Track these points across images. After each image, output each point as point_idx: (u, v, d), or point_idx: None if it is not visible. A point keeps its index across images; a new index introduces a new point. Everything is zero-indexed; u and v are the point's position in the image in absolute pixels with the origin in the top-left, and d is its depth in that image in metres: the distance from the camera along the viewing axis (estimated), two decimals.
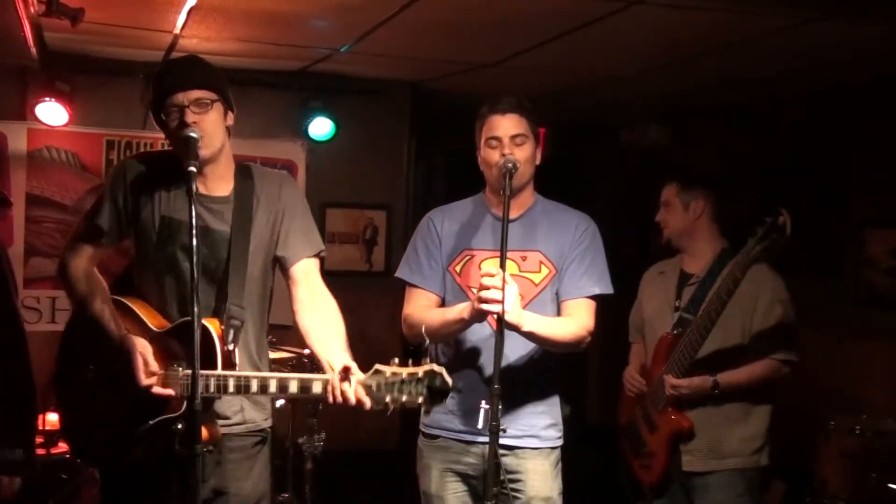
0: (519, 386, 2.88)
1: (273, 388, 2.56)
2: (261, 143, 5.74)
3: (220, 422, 2.72)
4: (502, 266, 2.62)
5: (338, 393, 2.47)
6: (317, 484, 4.64)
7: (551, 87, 5.63)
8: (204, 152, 2.60)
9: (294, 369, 4.71)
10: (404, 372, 2.45)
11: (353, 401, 2.46)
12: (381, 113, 6.12)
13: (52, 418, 4.26)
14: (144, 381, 2.59)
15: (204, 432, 2.53)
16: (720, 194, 3.57)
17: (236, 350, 2.63)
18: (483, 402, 2.76)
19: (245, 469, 2.79)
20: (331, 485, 4.81)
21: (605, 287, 2.95)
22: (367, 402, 2.46)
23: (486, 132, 2.90)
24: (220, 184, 2.73)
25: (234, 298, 2.68)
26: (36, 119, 5.26)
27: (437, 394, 2.44)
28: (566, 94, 5.88)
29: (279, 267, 2.84)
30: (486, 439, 2.63)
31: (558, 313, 2.93)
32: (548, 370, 2.96)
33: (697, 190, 3.52)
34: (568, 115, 6.47)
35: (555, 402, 3.01)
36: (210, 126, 2.63)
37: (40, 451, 4.07)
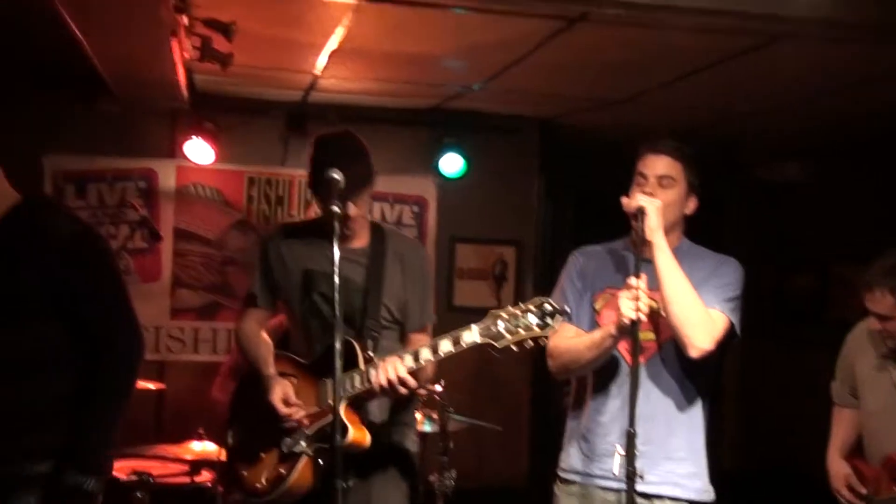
0: (659, 429, 2.80)
1: (409, 361, 2.77)
2: (393, 180, 5.85)
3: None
4: (637, 274, 2.64)
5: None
6: None
7: (684, 122, 5.54)
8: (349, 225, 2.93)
9: (425, 405, 4.76)
10: (517, 308, 2.64)
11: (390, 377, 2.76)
12: (511, 149, 6.16)
13: (196, 447, 4.41)
14: (284, 410, 2.92)
15: (354, 433, 2.81)
16: None
17: (375, 357, 2.87)
18: (618, 445, 2.72)
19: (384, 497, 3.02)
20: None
21: (733, 315, 2.83)
22: (406, 383, 2.75)
23: (638, 167, 2.89)
24: (356, 238, 3.01)
25: (371, 320, 2.96)
26: (184, 157, 5.51)
27: (548, 317, 2.61)
28: (698, 130, 5.77)
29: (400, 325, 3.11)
30: (623, 485, 2.58)
31: (696, 363, 2.83)
32: (693, 411, 2.87)
33: None
34: (699, 151, 6.34)
35: (701, 450, 2.88)
36: (358, 212, 2.93)
37: (184, 479, 4.21)
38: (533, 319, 2.60)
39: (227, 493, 4.19)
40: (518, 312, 2.62)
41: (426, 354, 2.76)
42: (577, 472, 2.89)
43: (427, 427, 4.66)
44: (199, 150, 5.45)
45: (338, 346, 2.60)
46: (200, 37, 3.70)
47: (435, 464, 4.61)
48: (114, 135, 5.57)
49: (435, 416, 4.59)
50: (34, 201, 2.69)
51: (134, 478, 4.07)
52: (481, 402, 5.65)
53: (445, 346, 2.73)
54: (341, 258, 2.89)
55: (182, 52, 3.92)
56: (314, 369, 2.97)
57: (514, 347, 2.65)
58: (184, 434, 4.67)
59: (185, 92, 4.87)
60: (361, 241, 3.04)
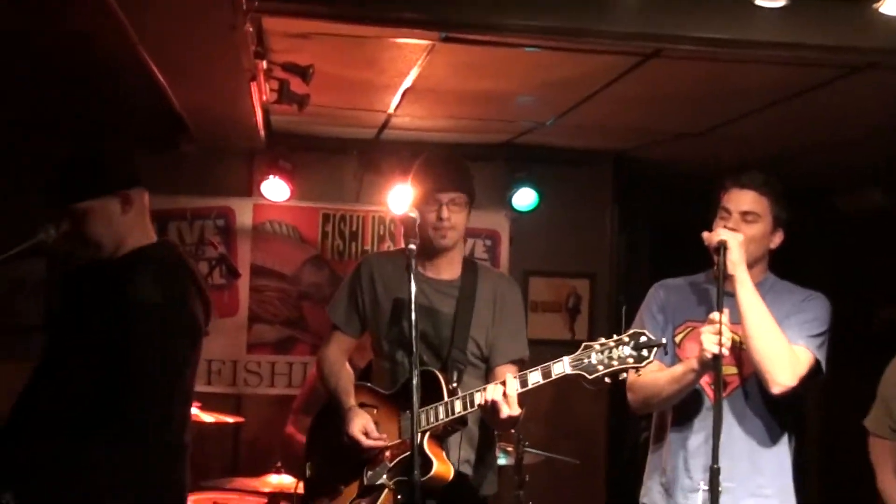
0: (743, 465, 2.76)
1: (499, 392, 2.70)
2: None
3: None
4: (719, 308, 2.62)
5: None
6: None
7: (761, 153, 5.46)
8: (447, 242, 2.98)
9: (500, 439, 4.74)
10: (611, 340, 2.62)
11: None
12: (584, 182, 6.14)
13: (273, 480, 4.47)
14: (366, 442, 2.91)
15: (438, 467, 2.80)
16: None
17: (459, 390, 2.88)
18: (701, 482, 2.69)
19: None
20: None
21: (819, 352, 2.79)
22: (509, 409, 2.68)
23: (723, 201, 2.87)
24: (448, 270, 3.04)
25: (457, 351, 2.96)
26: (261, 195, 5.62)
27: (644, 349, 2.58)
28: (775, 161, 5.68)
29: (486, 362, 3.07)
30: None
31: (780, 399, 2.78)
32: (778, 448, 2.82)
33: None
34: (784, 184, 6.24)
35: (788, 487, 2.84)
36: (459, 222, 2.99)
37: None
38: (627, 351, 2.58)
39: None
40: (612, 344, 2.61)
41: (514, 385, 2.72)
42: None
43: (503, 460, 4.63)
44: (275, 189, 5.56)
45: (415, 379, 2.60)
46: (279, 80, 3.79)
47: (510, 498, 4.59)
48: (193, 175, 5.73)
49: (510, 449, 4.58)
50: (143, 254, 2.64)
51: None
52: (557, 436, 5.61)
53: (534, 377, 2.71)
54: (432, 289, 2.99)
55: (261, 95, 4.02)
56: (396, 401, 2.97)
57: (607, 380, 2.62)
58: (261, 467, 4.73)
59: (262, 132, 4.99)
60: (453, 273, 3.06)
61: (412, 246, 2.72)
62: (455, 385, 2.90)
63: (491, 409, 2.71)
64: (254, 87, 3.80)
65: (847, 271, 6.61)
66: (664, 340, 2.61)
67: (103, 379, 2.45)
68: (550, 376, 2.68)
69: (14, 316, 5.38)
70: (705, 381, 2.80)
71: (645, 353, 2.56)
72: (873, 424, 3.28)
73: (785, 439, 2.83)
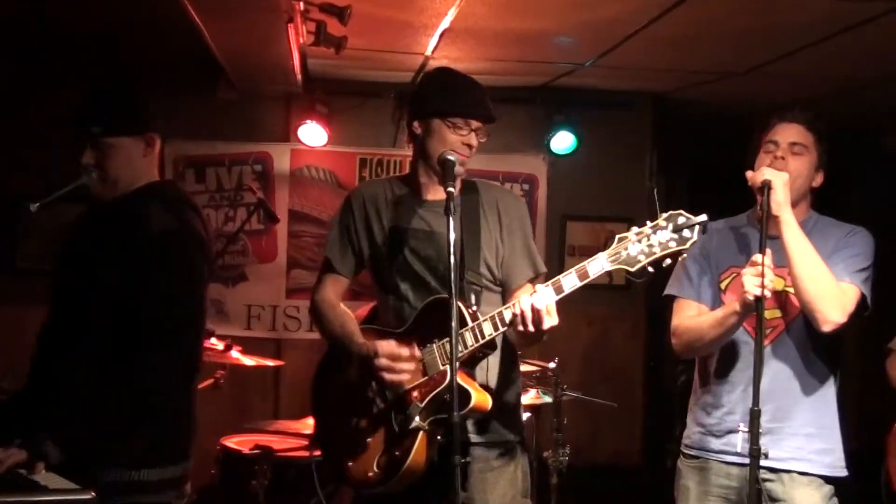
0: (787, 407, 2.75)
1: (530, 301, 2.49)
2: (504, 158, 5.83)
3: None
4: (762, 250, 2.57)
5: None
6: (560, 498, 4.64)
7: (805, 93, 5.35)
8: (464, 169, 2.73)
9: (539, 382, 4.77)
10: (647, 226, 2.42)
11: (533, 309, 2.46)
12: (623, 125, 6.06)
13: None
14: (397, 377, 2.65)
15: (477, 397, 2.57)
16: None
17: (479, 313, 2.64)
18: (741, 424, 2.69)
19: (490, 482, 2.79)
20: (574, 499, 4.80)
21: (864, 287, 2.74)
22: (550, 319, 2.45)
23: (767, 136, 2.83)
24: (442, 191, 2.73)
25: (471, 272, 2.73)
26: (298, 140, 5.62)
27: (685, 229, 2.38)
28: (821, 100, 5.57)
29: (502, 285, 2.84)
30: (747, 461, 2.55)
31: (824, 340, 2.76)
32: (822, 389, 2.80)
33: None
34: (825, 121, 6.13)
35: (832, 426, 2.82)
36: (474, 153, 2.77)
37: (303, 453, 4.33)
38: (667, 235, 2.38)
39: (333, 490, 4.12)
40: (649, 231, 2.40)
41: (548, 292, 2.48)
42: (701, 448, 2.88)
43: (545, 398, 4.62)
44: (312, 133, 5.55)
45: (453, 308, 2.37)
46: (315, 21, 3.76)
47: (549, 440, 4.63)
48: (231, 120, 5.72)
49: (548, 392, 4.60)
50: (152, 189, 2.68)
51: (257, 451, 4.21)
52: (594, 378, 5.63)
53: (570, 281, 2.46)
54: (431, 213, 2.77)
55: (297, 37, 3.99)
56: (411, 336, 2.71)
57: (650, 269, 2.41)
58: (301, 410, 4.79)
59: (299, 77, 4.97)
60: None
61: (450, 189, 2.54)
62: (475, 308, 2.65)
63: (527, 320, 2.46)
64: (291, 28, 3.78)
65: (891, 212, 6.51)
66: (704, 217, 2.40)
67: (129, 306, 2.48)
68: (588, 276, 2.45)
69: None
70: (749, 324, 2.78)
71: (686, 233, 2.37)
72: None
73: (830, 380, 2.81)
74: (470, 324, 2.59)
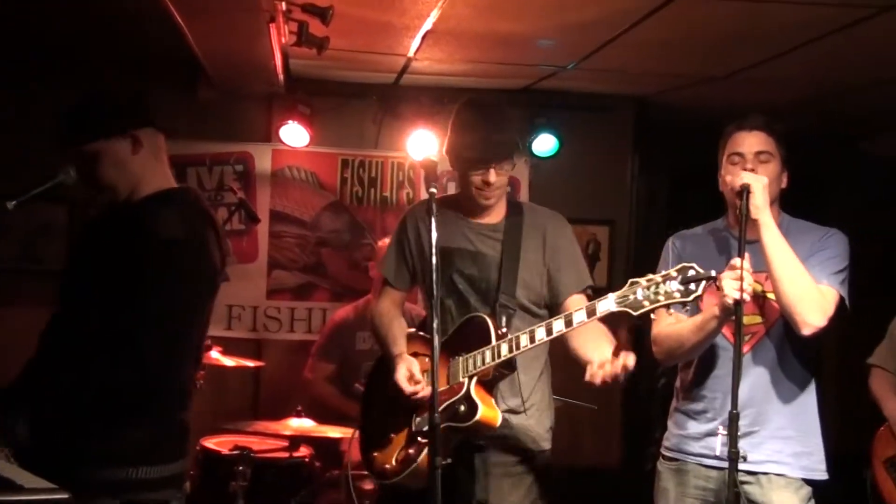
0: (766, 412, 2.77)
1: (542, 333, 2.73)
2: None
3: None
4: (741, 254, 2.60)
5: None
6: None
7: (784, 98, 5.39)
8: (492, 202, 2.98)
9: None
10: (658, 275, 2.54)
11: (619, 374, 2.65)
12: (604, 128, 6.08)
13: (294, 423, 4.52)
14: (408, 388, 2.89)
15: (484, 411, 2.79)
16: None
17: (509, 334, 2.83)
18: (720, 427, 2.70)
19: (507, 486, 2.96)
20: (554, 501, 4.80)
21: (842, 289, 2.76)
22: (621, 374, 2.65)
23: (729, 148, 2.84)
24: (493, 214, 3.01)
25: (504, 295, 2.92)
26: (280, 141, 5.60)
27: (692, 283, 2.48)
28: (800, 105, 5.61)
29: (551, 303, 3.02)
30: (726, 464, 2.56)
31: (804, 344, 2.77)
32: (802, 393, 2.82)
33: None
34: (800, 126, 6.17)
35: (811, 429, 2.84)
36: (504, 181, 2.96)
37: (282, 454, 4.31)
38: (675, 286, 2.50)
39: (311, 494, 4.24)
40: (659, 280, 2.53)
41: (559, 326, 2.69)
42: (680, 451, 2.89)
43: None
44: (294, 134, 5.53)
45: (435, 322, 2.53)
46: (297, 22, 3.75)
47: None
48: (212, 120, 5.69)
49: None
50: (168, 194, 2.64)
51: (236, 452, 4.19)
52: (575, 381, 5.62)
53: (579, 316, 2.66)
54: (476, 233, 2.98)
55: (279, 37, 3.98)
56: (447, 347, 2.93)
57: (652, 316, 2.58)
58: (281, 410, 4.78)
59: (280, 77, 4.95)
60: (497, 216, 3.02)
61: (433, 190, 2.65)
62: (504, 330, 2.86)
63: (613, 378, 2.68)
64: (272, 28, 3.76)
65: (869, 216, 6.58)
66: (713, 273, 2.49)
67: (119, 309, 2.46)
68: (595, 314, 2.62)
69: (37, 261, 5.42)
70: (728, 330, 2.79)
71: (693, 286, 2.47)
72: (879, 359, 3.67)
73: (811, 384, 2.84)
74: (493, 342, 2.81)
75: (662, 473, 2.96)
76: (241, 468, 4.12)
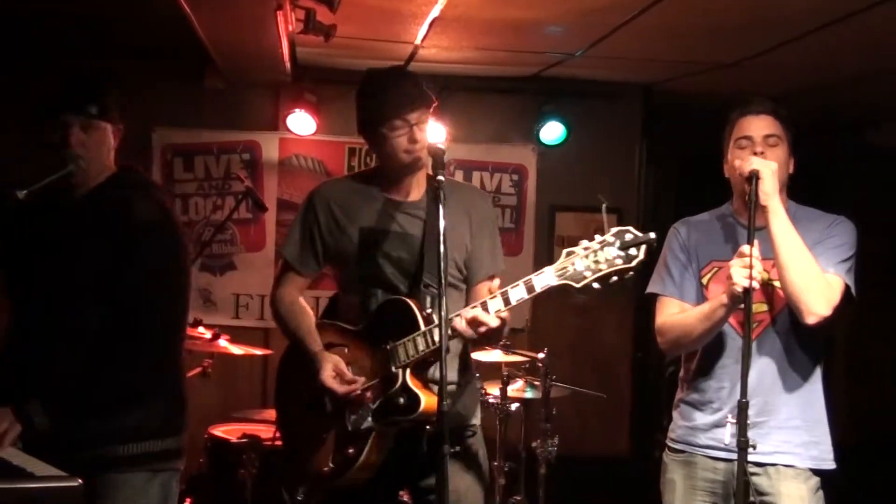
0: (773, 401, 2.75)
1: (482, 306, 2.55)
2: (493, 149, 5.84)
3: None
4: (750, 241, 2.56)
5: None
6: (549, 488, 4.65)
7: (791, 85, 5.36)
8: (422, 163, 2.78)
9: (528, 373, 4.78)
10: (594, 242, 2.43)
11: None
12: (612, 116, 6.06)
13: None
14: (340, 388, 2.70)
15: (427, 401, 2.61)
16: None
17: (433, 315, 2.66)
18: (730, 416, 2.69)
19: (459, 467, 2.81)
20: (563, 489, 4.82)
21: (848, 277, 2.72)
22: (490, 322, 2.50)
23: (736, 133, 2.81)
24: (415, 191, 2.85)
25: (428, 274, 2.75)
26: (287, 129, 5.60)
27: (632, 247, 2.39)
28: (807, 93, 5.58)
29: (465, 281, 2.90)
30: (735, 456, 2.55)
31: (811, 332, 2.76)
32: (809, 382, 2.79)
33: None
34: (807, 114, 6.15)
35: (819, 419, 2.81)
36: (425, 139, 2.76)
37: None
38: (614, 252, 2.40)
39: (292, 482, 4.06)
40: (596, 247, 2.42)
41: (496, 304, 2.53)
42: (687, 443, 2.87)
43: (529, 394, 4.67)
44: (300, 122, 5.53)
45: (443, 312, 2.40)
46: (304, 9, 3.74)
47: (537, 431, 4.64)
48: (219, 109, 5.70)
49: (537, 383, 4.61)
50: (124, 178, 2.69)
51: (244, 440, 4.21)
52: (583, 370, 5.64)
53: (517, 293, 2.51)
54: (400, 213, 2.78)
55: (286, 25, 3.97)
56: (368, 336, 2.75)
57: (596, 285, 2.43)
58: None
59: (287, 65, 4.94)
60: (418, 193, 2.85)
61: (441, 178, 2.56)
62: (430, 311, 2.67)
63: (473, 329, 2.54)
64: (280, 16, 3.76)
65: (875, 205, 6.55)
66: (652, 235, 2.42)
67: (115, 298, 2.52)
68: (535, 290, 2.49)
69: None
70: (734, 319, 2.77)
71: (633, 251, 2.39)
72: None
73: (817, 373, 2.80)
74: (422, 327, 2.64)
75: (669, 465, 2.93)
76: (249, 456, 4.14)
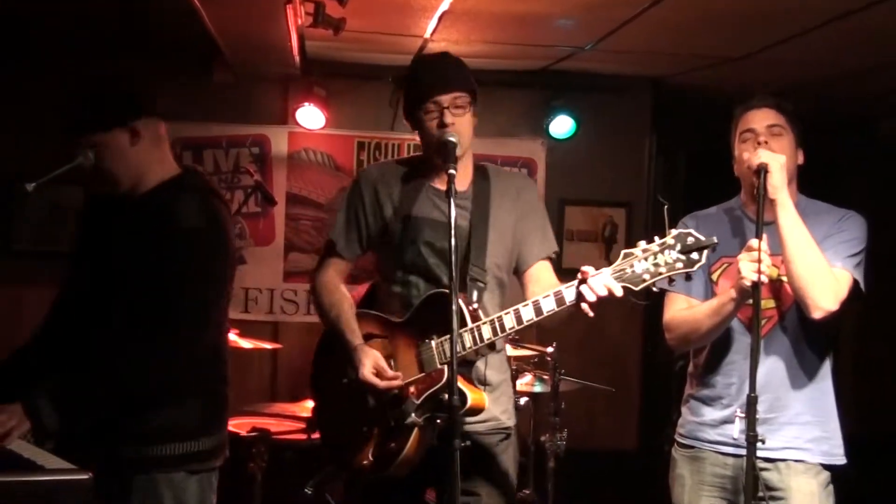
0: (782, 397, 2.74)
1: (530, 313, 2.50)
2: (502, 142, 5.84)
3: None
4: (758, 235, 2.55)
5: (587, 289, 2.40)
6: (558, 482, 4.65)
7: (802, 78, 5.34)
8: (458, 152, 2.63)
9: (536, 367, 4.77)
10: (654, 244, 2.38)
11: (603, 291, 2.40)
12: (621, 110, 6.05)
13: (311, 405, 4.52)
14: (381, 384, 2.62)
15: (474, 397, 2.56)
16: None
17: (480, 311, 2.62)
18: (738, 411, 2.68)
19: (489, 468, 2.79)
20: (571, 483, 4.82)
21: (857, 272, 2.70)
22: (617, 289, 2.39)
23: (740, 127, 2.81)
24: (460, 180, 2.71)
25: (475, 267, 2.70)
26: (296, 123, 5.60)
27: (693, 252, 2.34)
28: (818, 86, 5.55)
29: (515, 268, 2.85)
30: (745, 451, 2.55)
31: (820, 328, 2.75)
32: (818, 377, 2.78)
33: None
34: (819, 107, 6.12)
35: (829, 414, 2.80)
36: (465, 127, 2.69)
37: (300, 436, 4.33)
38: (674, 255, 2.33)
39: (329, 474, 4.13)
40: (656, 249, 2.35)
41: (548, 305, 2.47)
42: (695, 438, 2.86)
43: (538, 388, 4.67)
44: (310, 116, 5.53)
45: (454, 316, 2.34)
46: (314, 3, 3.74)
47: (546, 424, 4.63)
48: (228, 102, 5.70)
49: (546, 377, 4.61)
50: (180, 181, 2.65)
51: (254, 434, 4.21)
52: (592, 364, 5.64)
53: (571, 294, 2.45)
54: (442, 202, 2.64)
55: (295, 18, 3.97)
56: (411, 329, 2.69)
57: (655, 289, 2.40)
58: (298, 392, 4.80)
59: (297, 59, 4.95)
60: (464, 182, 2.77)
61: (452, 172, 2.51)
62: (475, 306, 2.62)
63: (597, 291, 2.39)
64: (289, 9, 3.76)
65: (887, 198, 6.52)
66: (715, 239, 2.36)
67: (147, 302, 2.48)
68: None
69: (51, 242, 5.45)
70: (743, 315, 2.76)
71: (695, 255, 2.33)
72: None
73: (826, 367, 2.79)
74: (469, 324, 2.56)
75: (678, 461, 2.92)
76: (259, 450, 4.15)
